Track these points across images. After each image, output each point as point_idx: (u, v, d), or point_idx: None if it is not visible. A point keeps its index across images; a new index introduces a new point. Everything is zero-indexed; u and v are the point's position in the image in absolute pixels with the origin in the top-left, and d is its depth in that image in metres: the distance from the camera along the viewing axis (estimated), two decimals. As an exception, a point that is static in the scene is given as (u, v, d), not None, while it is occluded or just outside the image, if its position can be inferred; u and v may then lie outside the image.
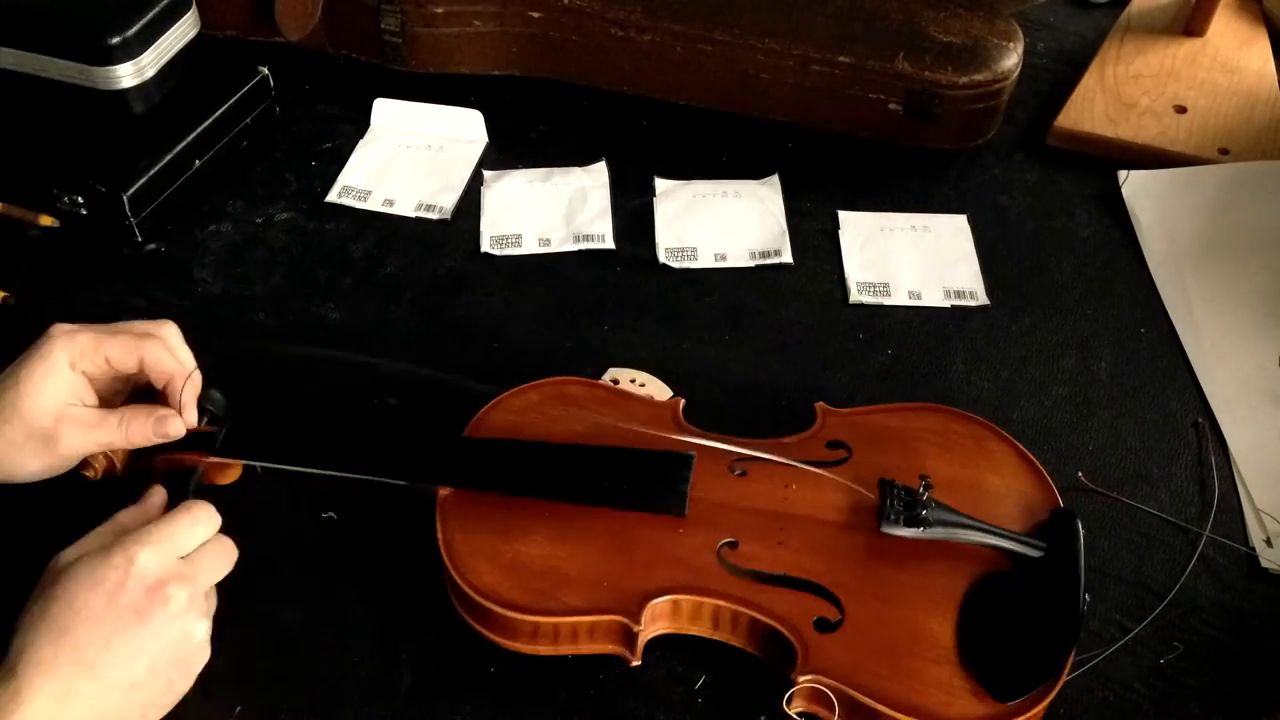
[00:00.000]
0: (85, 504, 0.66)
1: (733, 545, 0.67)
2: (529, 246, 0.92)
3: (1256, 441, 0.80)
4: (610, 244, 0.93)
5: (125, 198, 0.88)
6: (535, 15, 1.00)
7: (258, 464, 0.71)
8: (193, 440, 0.69)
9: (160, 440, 0.68)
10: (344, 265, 0.91)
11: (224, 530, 0.64)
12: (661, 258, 0.92)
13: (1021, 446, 0.73)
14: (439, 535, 0.67)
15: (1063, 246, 0.95)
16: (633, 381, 0.81)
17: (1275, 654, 0.69)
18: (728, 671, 0.67)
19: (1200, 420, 0.81)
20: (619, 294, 0.90)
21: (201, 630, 0.61)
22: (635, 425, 0.73)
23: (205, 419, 0.71)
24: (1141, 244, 0.94)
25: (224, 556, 0.63)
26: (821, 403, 0.75)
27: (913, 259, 0.93)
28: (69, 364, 0.65)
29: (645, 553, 0.66)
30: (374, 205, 0.96)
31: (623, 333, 0.86)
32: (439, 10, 1.01)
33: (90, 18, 0.88)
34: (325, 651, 0.68)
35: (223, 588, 0.64)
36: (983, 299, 0.90)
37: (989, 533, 0.66)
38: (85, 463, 0.68)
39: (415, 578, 0.71)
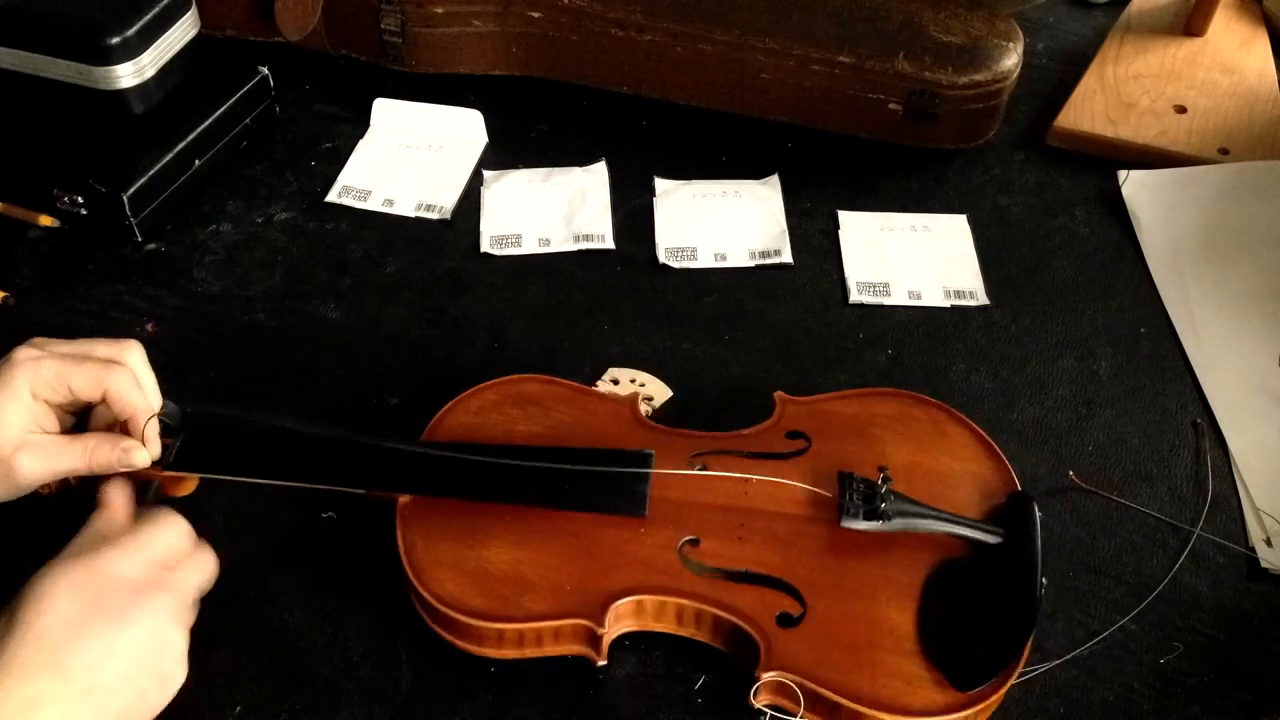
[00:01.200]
0: (41, 520, 0.65)
1: (694, 543, 0.67)
2: (529, 246, 0.92)
3: (1256, 441, 0.80)
4: (610, 244, 0.93)
5: (125, 198, 0.88)
6: (535, 15, 1.00)
7: (212, 476, 0.70)
8: None
9: (124, 470, 0.66)
10: (344, 265, 0.91)
11: (223, 530, 0.64)
12: (661, 258, 0.92)
13: (979, 430, 0.73)
14: (400, 544, 0.66)
15: (1063, 246, 0.95)
16: (633, 381, 0.81)
17: (1275, 654, 0.69)
18: (728, 672, 0.67)
19: (1199, 420, 0.81)
20: (619, 294, 0.90)
21: (179, 641, 0.59)
22: (593, 422, 0.73)
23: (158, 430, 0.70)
24: (1141, 244, 0.94)
25: (204, 568, 0.63)
26: (780, 392, 0.75)
27: (913, 259, 0.93)
28: (30, 393, 0.63)
29: (607, 554, 0.66)
30: (374, 205, 0.96)
31: (623, 333, 0.86)
32: (439, 10, 1.01)
33: (90, 18, 0.88)
34: (325, 651, 0.68)
35: (214, 597, 0.64)
36: (983, 299, 0.90)
37: (947, 521, 0.67)
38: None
39: (415, 578, 0.71)
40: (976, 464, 0.71)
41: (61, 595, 0.56)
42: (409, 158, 1.00)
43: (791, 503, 0.69)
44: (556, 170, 0.99)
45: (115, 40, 0.87)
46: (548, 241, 0.93)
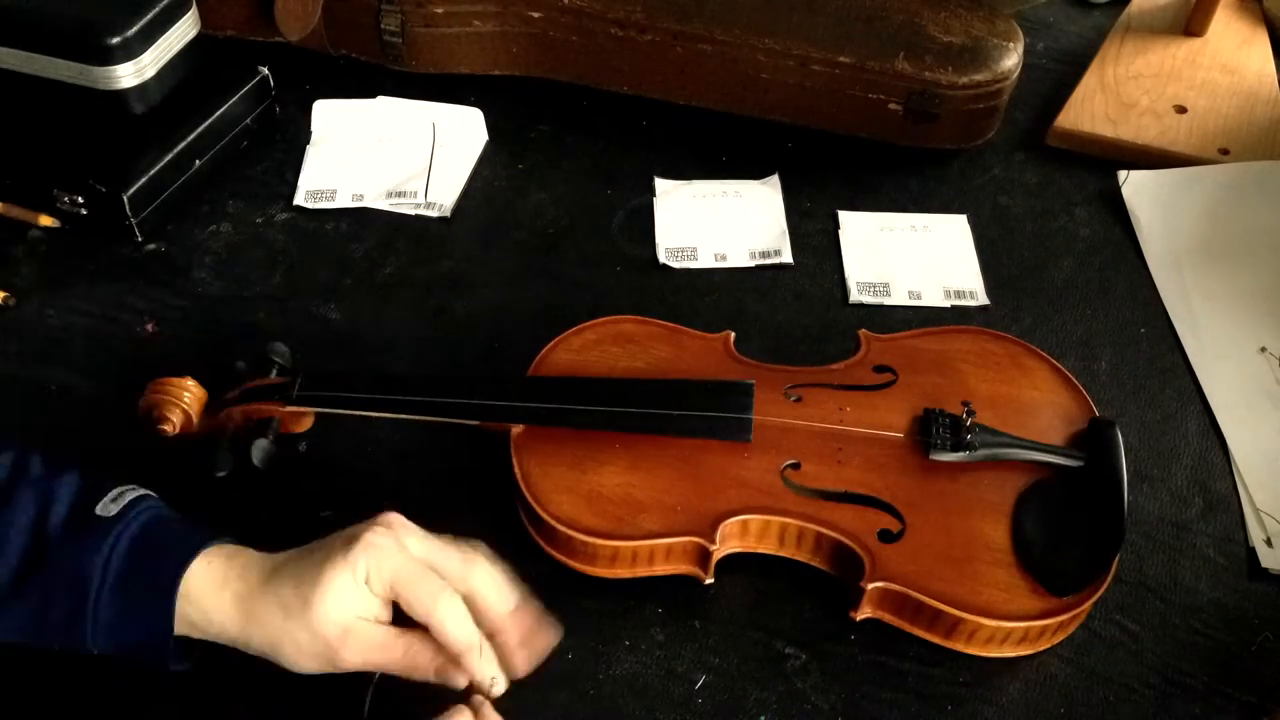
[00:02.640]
0: (162, 460, 0.69)
1: (795, 466, 0.71)
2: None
3: (1256, 441, 0.80)
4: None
5: (125, 198, 0.88)
6: (535, 15, 1.00)
7: (334, 410, 0.73)
8: (267, 391, 0.73)
9: (438, 682, 0.61)
10: (344, 265, 0.91)
11: (220, 526, 0.63)
12: (661, 258, 0.92)
13: (1056, 362, 0.77)
14: (516, 471, 0.70)
15: (1063, 246, 0.95)
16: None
17: (1275, 654, 0.69)
18: (728, 671, 0.67)
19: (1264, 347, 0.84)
20: (619, 294, 0.90)
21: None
22: (691, 358, 0.77)
23: (274, 370, 0.75)
24: (1141, 244, 0.94)
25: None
26: (864, 330, 0.79)
27: (913, 259, 0.93)
28: (366, 579, 0.59)
29: (714, 477, 0.70)
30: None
31: (623, 333, 0.86)
32: (439, 10, 1.01)
33: (90, 18, 0.88)
34: (325, 651, 0.68)
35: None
36: (983, 299, 0.90)
37: (1030, 448, 0.71)
38: (163, 417, 0.71)
39: (415, 578, 0.71)
40: (1055, 394, 0.75)
41: None
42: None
43: (885, 429, 0.72)
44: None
45: (115, 40, 0.87)
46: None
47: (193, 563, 0.59)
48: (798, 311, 0.89)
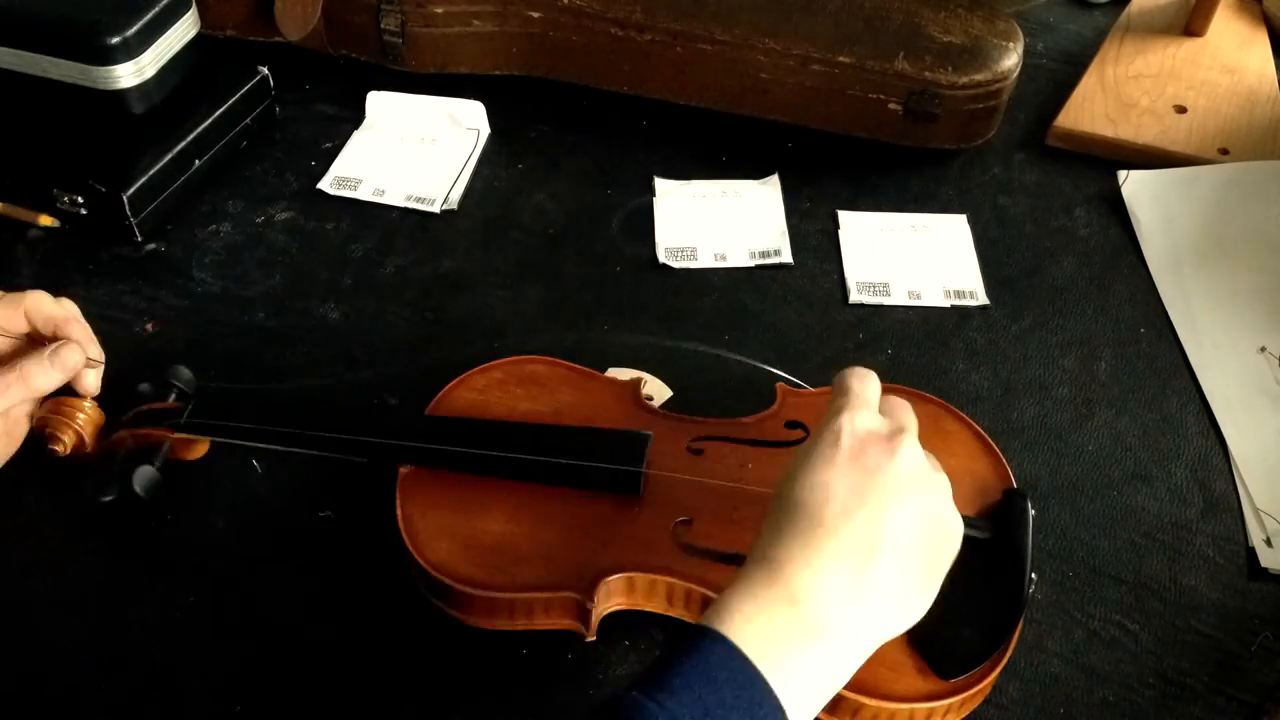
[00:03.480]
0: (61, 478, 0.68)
1: (687, 523, 0.67)
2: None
3: (1256, 441, 0.80)
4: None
5: (125, 198, 0.88)
6: (535, 15, 1.00)
7: (220, 440, 0.72)
8: (158, 416, 0.71)
9: (69, 374, 0.67)
10: (344, 265, 0.91)
11: (222, 530, 0.64)
12: (661, 258, 0.92)
13: (977, 427, 0.73)
14: (398, 512, 0.67)
15: (1063, 246, 0.95)
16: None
17: (1275, 654, 0.69)
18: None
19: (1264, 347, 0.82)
20: (619, 294, 0.90)
21: (933, 480, 0.57)
22: (595, 404, 0.74)
23: (173, 395, 0.73)
24: (1141, 244, 0.94)
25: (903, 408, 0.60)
26: (782, 383, 0.76)
27: (912, 259, 0.93)
28: None
29: (600, 530, 0.67)
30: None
31: (623, 333, 0.86)
32: (439, 10, 1.01)
33: (90, 18, 0.88)
34: (325, 651, 0.68)
35: (214, 596, 0.65)
36: (983, 299, 0.90)
37: None
38: (54, 437, 0.70)
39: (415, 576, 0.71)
40: (972, 460, 0.71)
41: (816, 479, 0.55)
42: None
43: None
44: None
45: (115, 40, 0.87)
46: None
47: None
48: (797, 311, 0.89)
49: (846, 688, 0.59)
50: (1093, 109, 1.03)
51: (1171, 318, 0.89)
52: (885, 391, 0.63)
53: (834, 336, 0.87)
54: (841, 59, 0.96)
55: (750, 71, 0.98)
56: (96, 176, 0.88)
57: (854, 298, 0.90)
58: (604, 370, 0.82)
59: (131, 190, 0.88)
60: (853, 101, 0.98)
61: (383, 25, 1.02)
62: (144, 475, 0.68)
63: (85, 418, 0.70)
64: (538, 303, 0.89)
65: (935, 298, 0.90)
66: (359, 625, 0.69)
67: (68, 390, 0.70)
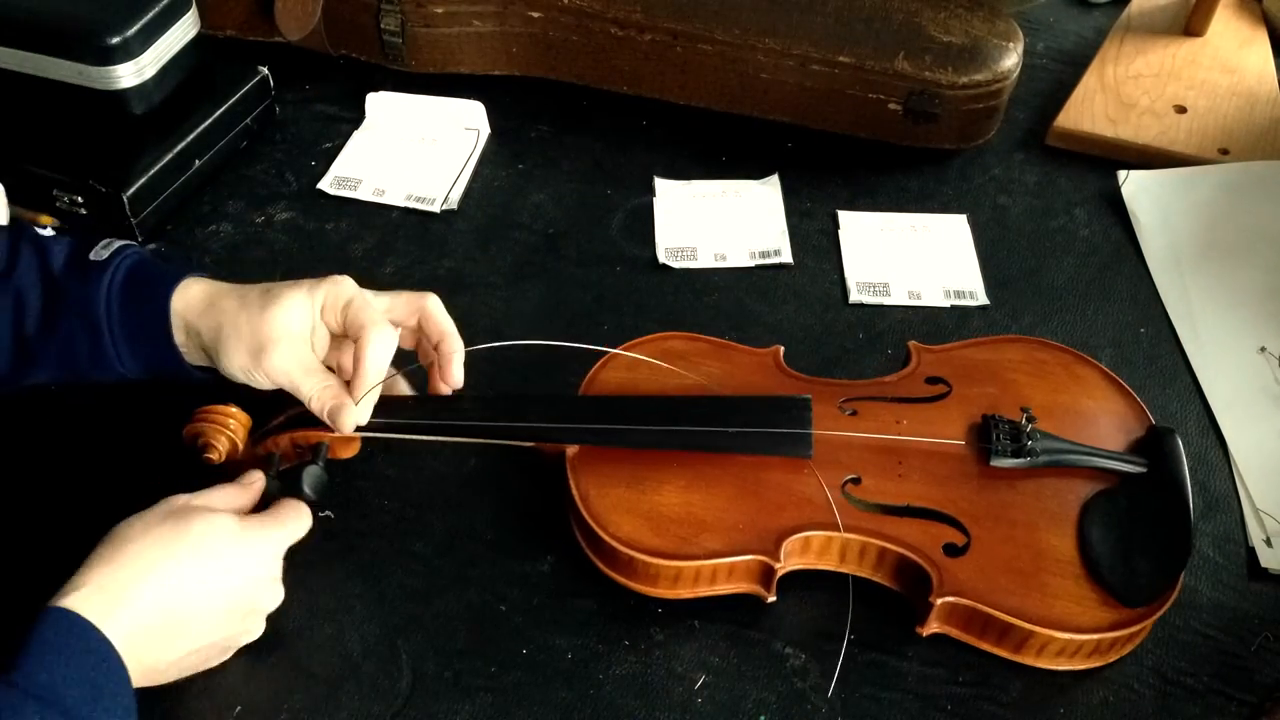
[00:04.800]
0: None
1: (856, 481, 0.70)
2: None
3: (1256, 441, 0.80)
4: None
5: (125, 198, 0.88)
6: (535, 15, 1.00)
7: (381, 435, 0.71)
8: (314, 416, 0.70)
9: (326, 422, 0.68)
10: (344, 265, 0.91)
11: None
12: (661, 258, 0.92)
13: (1108, 370, 0.76)
14: (574, 493, 0.69)
15: (1063, 246, 0.95)
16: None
17: (1275, 654, 0.69)
18: (727, 671, 0.67)
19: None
20: (619, 294, 0.90)
21: (242, 546, 0.62)
22: (742, 374, 0.76)
23: None
24: (1141, 244, 0.94)
25: (297, 514, 0.66)
26: (914, 341, 0.79)
27: (912, 259, 0.93)
28: (322, 306, 0.68)
29: (775, 494, 0.69)
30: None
31: (623, 333, 0.86)
32: (439, 10, 1.01)
33: (90, 18, 0.88)
34: (325, 651, 0.68)
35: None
36: (983, 299, 0.90)
37: (1093, 454, 0.70)
38: (209, 445, 0.69)
39: (415, 577, 0.71)
40: (1110, 401, 0.75)
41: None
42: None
43: (945, 439, 0.72)
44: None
45: (115, 40, 0.87)
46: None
47: (175, 290, 0.68)
48: (797, 311, 0.89)
49: (1035, 623, 0.64)
50: (1093, 109, 1.03)
51: (1171, 318, 0.89)
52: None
53: (834, 336, 0.87)
54: (841, 59, 0.96)
55: (750, 71, 0.98)
56: (96, 177, 0.88)
57: (854, 298, 0.90)
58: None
59: (131, 190, 0.88)
60: (853, 101, 0.98)
61: (383, 25, 1.02)
62: (313, 475, 0.68)
63: (236, 423, 0.70)
64: (538, 303, 0.89)
65: (935, 298, 0.90)
66: (359, 625, 0.69)
67: (212, 398, 0.70)
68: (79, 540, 0.60)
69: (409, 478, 0.77)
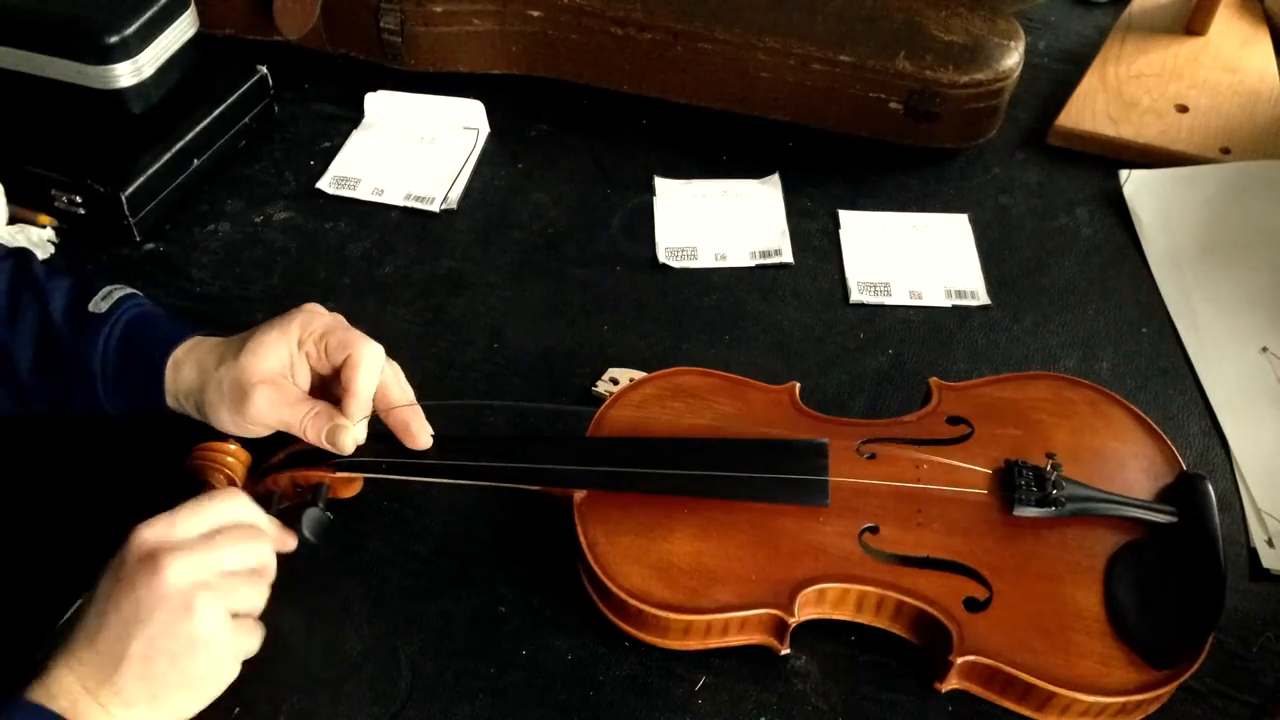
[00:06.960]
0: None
1: (874, 530, 0.67)
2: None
3: (1257, 441, 0.80)
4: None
5: (124, 197, 0.87)
6: (535, 14, 1.00)
7: (383, 476, 0.69)
8: (315, 455, 0.69)
9: (326, 448, 0.67)
10: (343, 265, 0.91)
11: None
12: (661, 257, 0.92)
13: (1137, 409, 0.73)
14: (581, 540, 0.66)
15: (1064, 246, 0.94)
16: (631, 380, 0.81)
17: (1275, 654, 0.69)
18: (727, 672, 0.67)
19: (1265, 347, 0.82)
20: (619, 294, 0.89)
21: (207, 613, 0.58)
22: (756, 412, 0.73)
23: None
24: (1143, 243, 0.94)
25: (248, 541, 0.62)
26: (935, 378, 0.75)
27: (913, 258, 0.92)
28: (299, 338, 0.67)
29: (789, 543, 0.66)
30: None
31: (623, 333, 0.86)
32: (438, 9, 1.01)
33: (88, 17, 0.88)
34: (325, 651, 0.68)
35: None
36: (984, 298, 0.90)
37: (1121, 503, 0.67)
38: (207, 483, 0.68)
39: (415, 577, 0.71)
40: (1139, 445, 0.71)
41: (103, 582, 0.59)
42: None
43: (966, 487, 0.69)
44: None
45: (113, 40, 0.87)
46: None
47: (172, 354, 0.68)
48: (798, 311, 0.89)
49: (1060, 684, 0.60)
50: (1094, 108, 1.03)
51: (1173, 317, 0.88)
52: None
53: (834, 336, 0.87)
54: (842, 58, 0.95)
55: (750, 71, 0.98)
56: (95, 176, 0.88)
57: (855, 297, 0.90)
58: (604, 371, 0.82)
59: (130, 190, 0.88)
60: (853, 101, 0.98)
61: (382, 24, 1.02)
62: (313, 518, 0.66)
63: (235, 460, 0.69)
64: (538, 303, 0.89)
65: (936, 297, 0.90)
66: (359, 626, 0.69)
67: (211, 435, 0.69)
68: (77, 565, 0.60)
69: (458, 533, 0.75)
